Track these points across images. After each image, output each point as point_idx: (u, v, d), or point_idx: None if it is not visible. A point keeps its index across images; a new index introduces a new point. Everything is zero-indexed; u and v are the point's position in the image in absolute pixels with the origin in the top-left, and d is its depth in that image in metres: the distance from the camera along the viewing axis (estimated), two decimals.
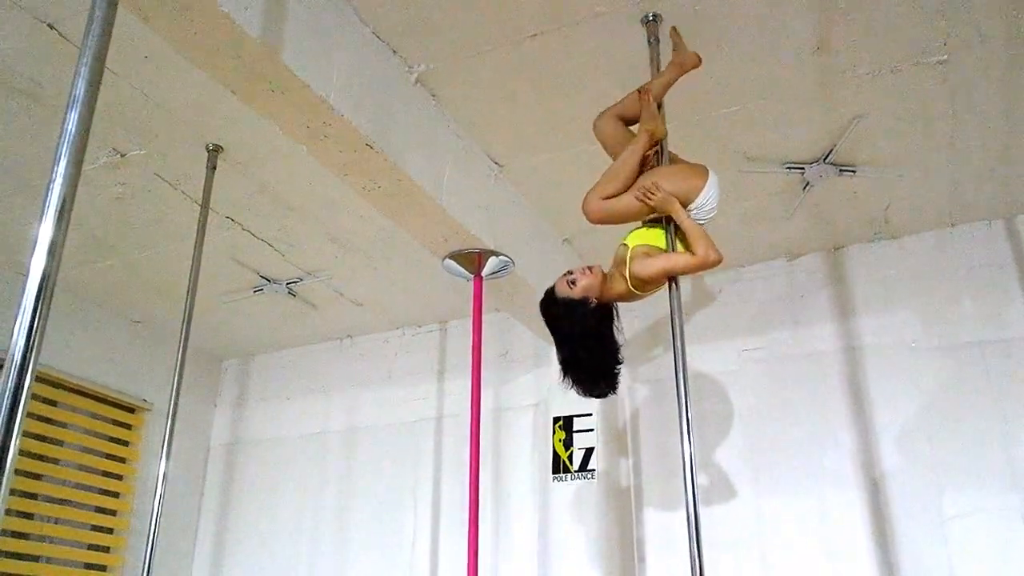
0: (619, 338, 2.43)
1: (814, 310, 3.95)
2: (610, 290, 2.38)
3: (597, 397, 2.49)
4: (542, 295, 2.46)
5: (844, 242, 3.97)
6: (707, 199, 2.35)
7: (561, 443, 4.03)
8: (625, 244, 2.39)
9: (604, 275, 2.40)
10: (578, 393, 2.45)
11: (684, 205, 2.33)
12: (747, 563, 3.67)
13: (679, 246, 2.32)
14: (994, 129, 3.13)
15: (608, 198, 2.38)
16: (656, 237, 2.36)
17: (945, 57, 2.74)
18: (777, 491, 3.73)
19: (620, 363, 2.42)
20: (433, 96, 3.01)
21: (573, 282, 2.36)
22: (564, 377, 2.43)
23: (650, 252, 2.32)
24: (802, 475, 3.70)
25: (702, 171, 2.39)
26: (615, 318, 2.45)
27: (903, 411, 3.61)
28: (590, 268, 2.40)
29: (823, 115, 3.07)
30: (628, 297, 2.38)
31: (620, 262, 2.37)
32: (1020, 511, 3.29)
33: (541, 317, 2.47)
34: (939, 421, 3.53)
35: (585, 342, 2.38)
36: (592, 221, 2.43)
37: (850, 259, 3.97)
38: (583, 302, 2.35)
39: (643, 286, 2.33)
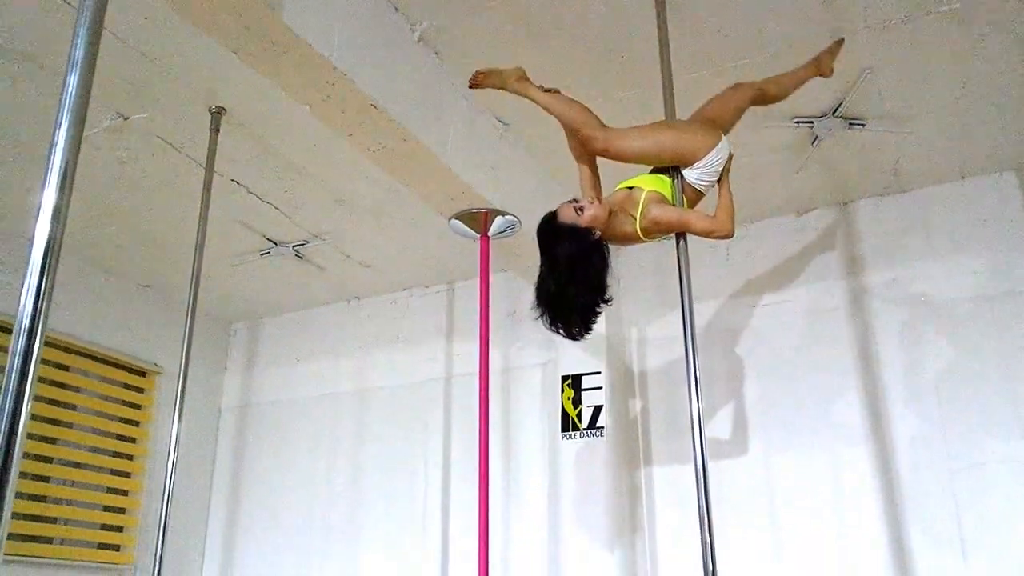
0: (610, 281, 2.32)
1: (823, 265, 3.93)
2: (614, 229, 2.31)
3: (570, 337, 2.34)
4: (542, 221, 2.34)
5: (853, 196, 3.94)
6: (713, 161, 2.32)
7: (570, 401, 4.05)
8: (633, 187, 2.34)
9: (611, 211, 2.31)
10: (549, 327, 2.32)
11: (690, 162, 2.30)
12: (756, 519, 3.70)
13: (685, 202, 2.31)
14: (1005, 79, 3.08)
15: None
16: (664, 186, 2.32)
17: (957, 6, 2.69)
18: (786, 447, 3.75)
19: (605, 304, 2.31)
20: (436, 54, 2.97)
21: (581, 209, 2.26)
22: (541, 308, 2.30)
23: (665, 201, 2.29)
24: (811, 431, 3.72)
25: (716, 133, 2.35)
26: (609, 260, 2.33)
27: (911, 365, 3.61)
28: (599, 199, 2.33)
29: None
30: (630, 239, 2.34)
31: (631, 203, 2.30)
32: None
33: (538, 240, 2.34)
34: (947, 375, 3.53)
35: (578, 274, 2.25)
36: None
37: (859, 213, 3.93)
38: (587, 232, 2.26)
39: (651, 231, 2.28)
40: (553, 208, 2.35)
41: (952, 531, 3.34)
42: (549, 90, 2.41)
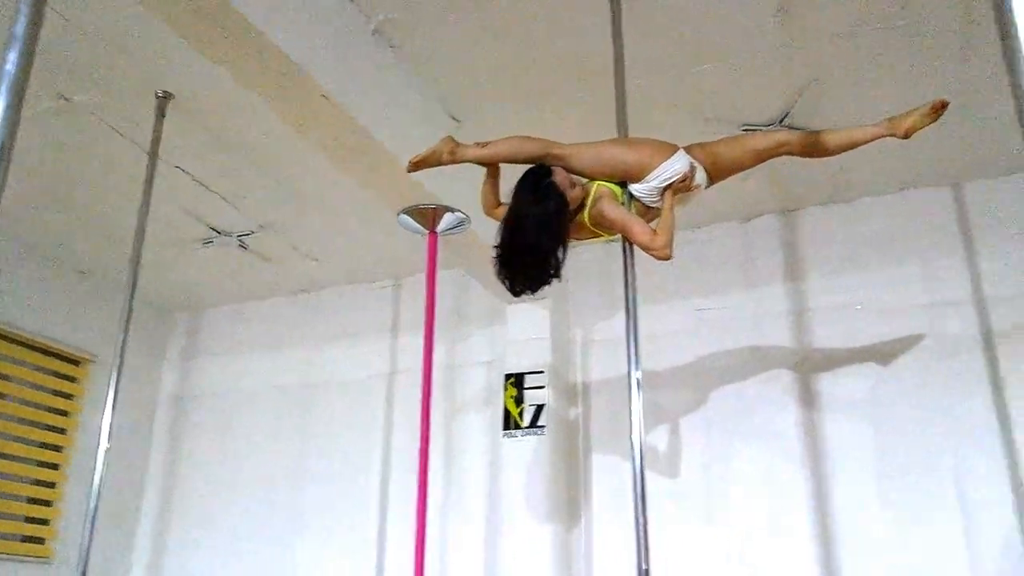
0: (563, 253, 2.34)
1: (766, 271, 4.01)
2: (579, 199, 2.35)
3: (521, 287, 2.36)
4: (533, 170, 2.35)
5: (798, 205, 4.02)
6: (664, 175, 2.32)
7: (512, 400, 4.06)
8: (587, 182, 2.37)
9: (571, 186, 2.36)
10: (507, 282, 2.34)
11: (638, 177, 2.33)
12: (693, 522, 3.75)
13: (632, 208, 2.34)
14: (948, 95, 3.16)
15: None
16: (616, 190, 2.36)
17: (902, 22, 2.76)
18: (725, 451, 3.81)
19: (557, 274, 2.33)
20: (391, 48, 2.95)
21: (572, 184, 2.32)
22: (509, 261, 2.32)
23: (615, 199, 2.32)
24: (749, 435, 3.79)
25: (669, 148, 2.37)
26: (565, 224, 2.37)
27: (847, 373, 3.70)
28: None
29: (781, 77, 3.08)
30: (575, 228, 2.36)
31: (583, 194, 2.35)
32: (950, 465, 3.41)
33: (521, 185, 2.34)
34: (882, 382, 3.63)
35: (554, 234, 2.29)
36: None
37: (803, 221, 4.02)
38: (568, 203, 2.31)
39: (595, 222, 2.32)
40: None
41: (880, 536, 3.44)
42: (482, 144, 2.41)
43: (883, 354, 3.67)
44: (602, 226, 2.34)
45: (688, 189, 2.35)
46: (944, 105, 2.32)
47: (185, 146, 3.48)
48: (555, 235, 2.30)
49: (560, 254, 2.31)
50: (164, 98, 3.14)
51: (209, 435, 5.04)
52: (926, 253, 3.74)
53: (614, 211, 2.29)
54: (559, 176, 2.30)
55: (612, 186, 2.36)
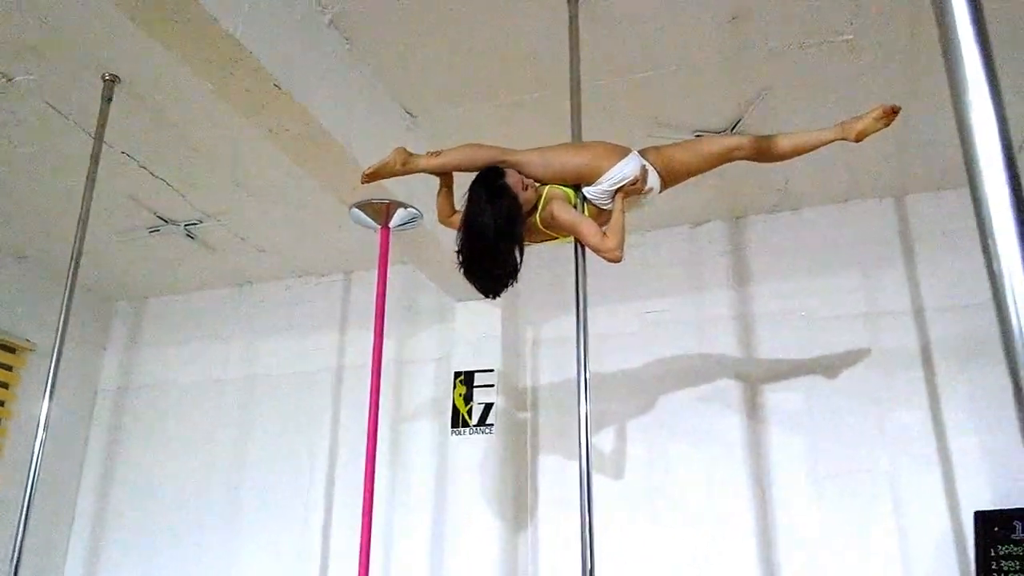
0: (520, 256, 2.36)
1: (713, 276, 4.07)
2: (533, 205, 2.37)
3: (487, 290, 2.40)
4: (486, 172, 2.34)
5: (745, 212, 4.09)
6: (615, 177, 2.34)
7: (461, 398, 4.06)
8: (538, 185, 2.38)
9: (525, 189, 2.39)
10: (475, 282, 2.37)
11: (590, 180, 2.35)
12: (638, 522, 3.79)
13: (586, 211, 2.36)
14: None
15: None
16: (569, 192, 2.37)
17: (851, 37, 2.83)
18: (669, 452, 3.86)
19: (516, 274, 2.36)
20: (347, 40, 2.92)
21: (525, 186, 2.33)
22: (470, 264, 2.34)
23: (567, 202, 2.34)
24: (693, 437, 3.84)
25: (621, 151, 2.39)
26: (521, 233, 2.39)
27: (789, 377, 3.78)
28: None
29: (733, 85, 3.13)
30: (529, 228, 2.37)
31: (535, 198, 2.36)
32: (887, 472, 3.51)
33: (474, 188, 2.34)
34: (822, 388, 3.72)
35: (510, 234, 2.30)
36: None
37: (750, 228, 4.10)
38: (521, 207, 2.32)
39: (550, 225, 2.34)
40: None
41: (818, 535, 3.52)
42: (435, 154, 2.41)
43: (824, 360, 3.75)
44: (554, 228, 2.35)
45: (639, 192, 2.37)
46: (895, 111, 2.34)
47: (132, 131, 3.40)
48: (511, 236, 2.31)
49: (517, 255, 2.33)
50: (111, 81, 3.06)
51: (149, 427, 4.93)
52: (867, 263, 3.83)
53: (565, 213, 2.31)
54: (511, 178, 2.31)
55: (565, 189, 2.37)
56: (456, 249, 2.35)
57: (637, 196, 2.39)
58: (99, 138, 3.10)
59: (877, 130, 2.37)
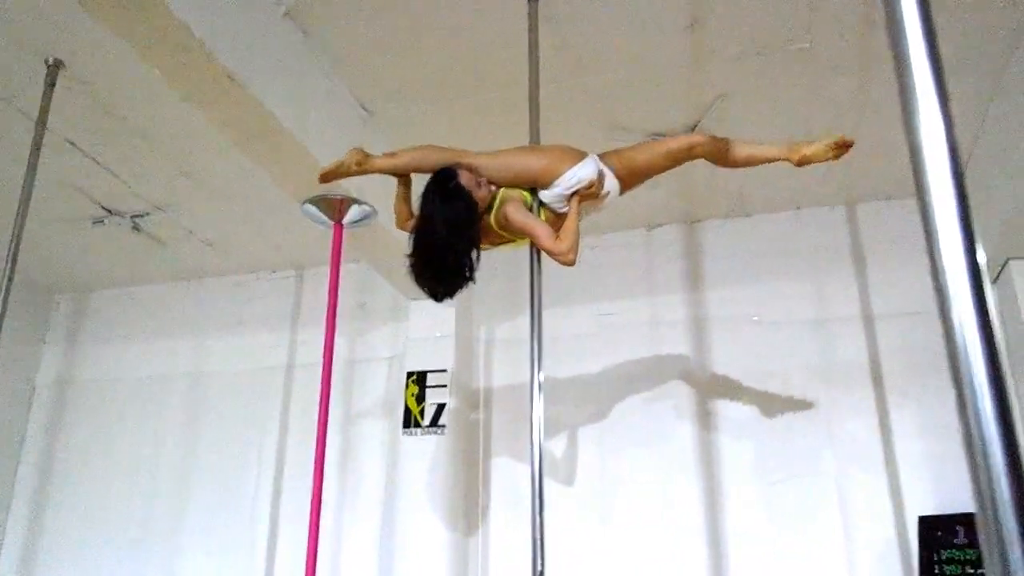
0: (476, 255, 2.35)
1: (668, 279, 4.09)
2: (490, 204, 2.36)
3: (438, 294, 2.38)
4: (439, 174, 2.32)
5: (700, 216, 4.13)
6: (571, 181, 2.33)
7: (413, 398, 4.02)
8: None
9: (479, 187, 2.36)
10: (426, 288, 2.36)
11: (545, 183, 2.34)
12: (588, 524, 3.79)
13: (542, 215, 2.35)
14: (845, 119, 3.31)
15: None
16: (525, 195, 2.36)
17: (808, 45, 2.86)
18: (620, 454, 3.87)
19: (471, 276, 2.34)
20: (303, 32, 2.87)
21: (479, 184, 2.31)
22: (423, 266, 2.32)
23: (523, 204, 2.33)
24: (644, 439, 3.86)
25: (578, 155, 2.37)
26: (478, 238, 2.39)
27: (740, 379, 3.82)
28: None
29: (691, 90, 3.15)
30: (483, 232, 2.36)
31: (490, 198, 2.35)
32: (835, 477, 3.56)
33: (428, 189, 2.32)
34: (770, 392, 3.76)
35: (464, 236, 2.30)
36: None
37: (705, 233, 4.13)
38: (476, 204, 2.31)
39: (501, 226, 2.33)
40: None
41: (764, 539, 3.55)
42: (390, 154, 2.39)
43: (775, 365, 3.79)
44: (509, 230, 2.34)
45: (595, 196, 2.36)
46: (848, 144, 2.35)
47: (76, 119, 3.30)
48: (466, 235, 2.30)
49: (473, 255, 2.31)
50: (55, 66, 2.97)
51: (90, 425, 4.80)
52: (819, 271, 3.89)
53: (519, 215, 2.30)
54: (464, 177, 2.30)
55: (521, 192, 2.36)
56: (408, 253, 2.33)
57: (594, 200, 2.38)
58: (41, 124, 3.00)
59: (824, 160, 2.39)
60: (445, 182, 2.29)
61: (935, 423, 3.47)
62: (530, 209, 2.34)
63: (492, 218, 2.34)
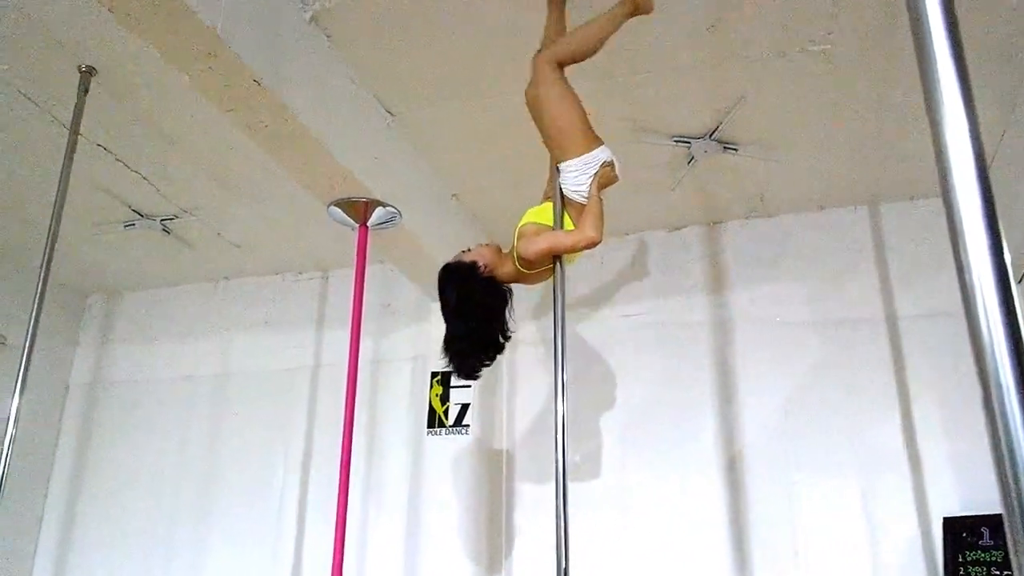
0: (509, 322, 2.36)
1: (691, 281, 4.09)
2: (501, 267, 2.36)
3: (461, 375, 2.42)
4: (448, 271, 2.39)
5: (722, 217, 4.12)
6: (586, 167, 2.30)
7: (438, 398, 4.05)
8: (520, 226, 2.37)
9: (499, 250, 2.40)
10: (454, 372, 2.40)
11: (559, 157, 2.33)
12: (612, 522, 3.81)
13: (568, 223, 2.32)
14: (866, 120, 3.30)
15: (564, 61, 2.32)
16: (547, 214, 2.34)
17: (829, 47, 2.86)
18: (643, 454, 3.88)
19: (501, 344, 2.36)
20: (328, 37, 2.91)
21: (467, 250, 2.36)
22: (445, 354, 2.38)
23: (538, 231, 2.30)
24: (668, 439, 3.86)
25: (595, 141, 2.35)
26: (508, 302, 2.39)
27: (764, 381, 3.81)
28: (486, 244, 2.42)
29: (712, 92, 3.15)
30: (518, 278, 2.36)
31: (512, 245, 2.35)
32: (858, 476, 3.54)
33: (446, 291, 2.39)
34: (795, 392, 3.75)
35: (466, 309, 2.33)
36: (528, 94, 2.37)
37: (727, 233, 4.12)
38: (472, 266, 2.33)
39: (530, 266, 2.30)
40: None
41: (788, 540, 3.55)
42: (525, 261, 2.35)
43: (798, 366, 3.78)
44: (539, 262, 2.30)
45: (613, 181, 2.37)
46: None
47: (108, 124, 3.36)
48: (472, 310, 2.33)
49: (504, 326, 2.35)
50: (88, 73, 3.02)
51: (121, 424, 4.88)
52: (842, 271, 3.87)
53: (535, 244, 2.26)
54: (453, 257, 2.36)
55: (538, 217, 2.34)
56: (444, 347, 2.38)
57: (612, 181, 2.37)
58: (75, 130, 3.06)
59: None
60: (440, 275, 2.39)
61: (960, 423, 3.45)
62: (545, 224, 2.33)
63: (516, 267, 2.33)
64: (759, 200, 3.94)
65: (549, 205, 2.37)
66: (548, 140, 2.37)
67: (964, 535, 3.23)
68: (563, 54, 2.34)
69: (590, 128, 2.36)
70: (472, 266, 2.33)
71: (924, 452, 3.50)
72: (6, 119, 3.32)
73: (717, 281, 4.05)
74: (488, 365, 2.40)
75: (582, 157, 2.30)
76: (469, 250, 2.39)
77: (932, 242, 3.71)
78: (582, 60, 2.37)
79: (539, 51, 2.37)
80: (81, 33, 2.84)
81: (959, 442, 3.44)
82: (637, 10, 2.37)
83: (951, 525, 3.28)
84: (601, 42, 2.35)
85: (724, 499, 3.69)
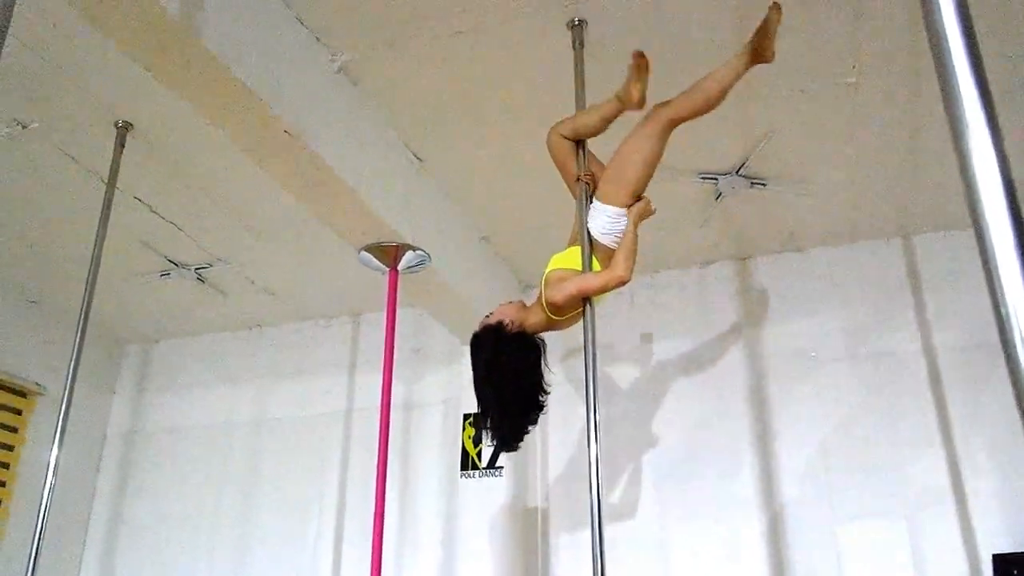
0: (545, 373, 2.32)
1: (723, 317, 4.06)
2: (529, 319, 2.33)
3: (503, 446, 2.39)
4: (479, 337, 2.37)
5: (753, 252, 4.10)
6: (616, 215, 2.32)
7: (470, 440, 4.04)
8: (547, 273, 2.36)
9: (522, 305, 2.38)
10: (500, 445, 2.37)
11: (602, 199, 2.34)
12: (649, 564, 3.74)
13: (595, 265, 2.32)
14: (894, 152, 3.28)
15: (682, 119, 2.34)
16: (573, 258, 2.34)
17: (854, 79, 2.86)
18: (680, 495, 3.82)
19: (541, 403, 2.32)
20: (355, 86, 2.97)
21: (490, 314, 2.36)
22: (486, 430, 2.34)
23: (564, 276, 2.29)
24: (704, 480, 3.80)
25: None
26: (542, 351, 2.36)
27: (801, 418, 3.75)
28: (508, 301, 2.41)
29: (738, 128, 3.16)
30: (549, 325, 2.34)
31: (540, 293, 2.34)
32: (904, 515, 3.45)
33: (480, 356, 2.36)
34: (834, 429, 3.68)
35: (500, 371, 2.29)
36: (549, 143, 2.45)
37: (758, 269, 4.09)
38: (498, 327, 2.31)
39: (560, 311, 2.28)
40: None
41: None
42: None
43: (837, 402, 3.72)
44: (569, 306, 2.28)
45: (650, 213, 2.40)
46: (776, 8, 2.29)
47: (144, 176, 3.45)
48: (501, 372, 2.30)
49: (540, 378, 2.32)
50: (124, 128, 3.11)
51: (158, 472, 4.91)
52: (876, 304, 3.82)
53: (563, 290, 2.24)
54: (499, 318, 2.32)
55: (565, 262, 2.33)
56: (482, 414, 2.34)
57: (649, 214, 2.40)
58: (112, 184, 3.14)
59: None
60: (470, 345, 2.35)
61: (1007, 458, 3.36)
62: (569, 269, 2.32)
63: (546, 314, 2.30)
64: (789, 235, 3.91)
65: (574, 249, 2.37)
66: (606, 180, 2.37)
67: (1015, 572, 3.13)
68: (684, 112, 2.34)
69: (644, 190, 2.39)
70: (498, 327, 2.31)
71: (970, 488, 3.41)
72: (45, 173, 3.41)
73: (750, 317, 4.02)
74: (531, 428, 2.35)
75: (622, 210, 2.32)
76: (491, 314, 2.37)
77: (969, 273, 3.65)
78: (703, 114, 2.39)
79: (663, 104, 2.36)
80: (117, 90, 2.93)
81: (1006, 476, 3.35)
82: (758, 58, 2.34)
83: (1001, 562, 3.18)
84: (722, 95, 2.34)
85: (766, 540, 3.61)
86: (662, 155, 2.38)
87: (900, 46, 2.71)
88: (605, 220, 2.33)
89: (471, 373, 2.37)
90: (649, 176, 2.37)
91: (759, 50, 2.32)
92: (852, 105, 2.99)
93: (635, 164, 2.33)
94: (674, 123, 2.35)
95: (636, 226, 2.32)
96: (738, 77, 2.34)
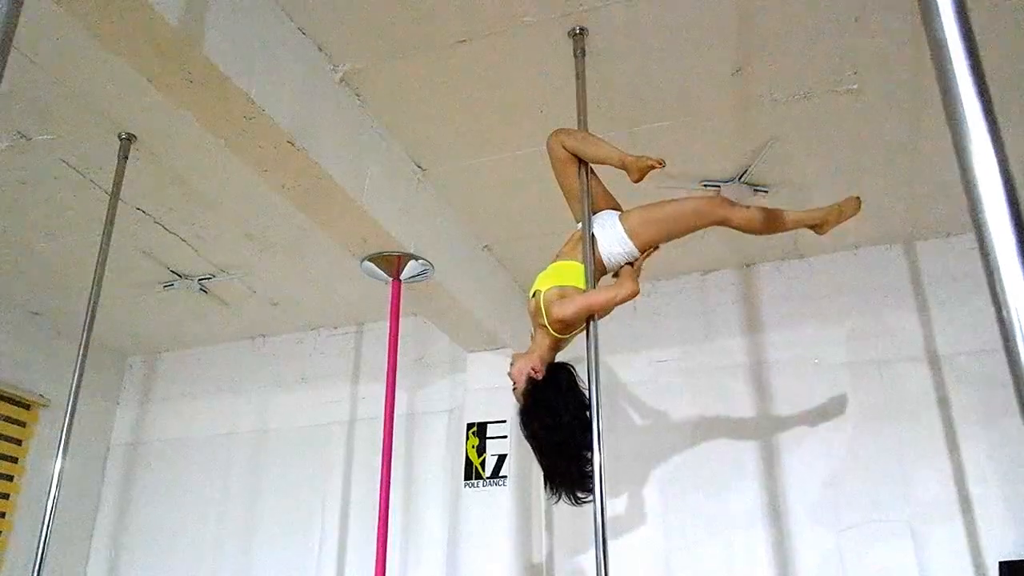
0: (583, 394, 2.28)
1: (725, 324, 4.05)
2: (540, 353, 2.32)
3: (573, 500, 2.33)
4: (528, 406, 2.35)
5: (755, 260, 4.10)
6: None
7: (474, 449, 4.03)
8: (535, 293, 2.33)
9: (527, 351, 2.36)
10: (576, 497, 2.32)
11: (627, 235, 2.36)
12: (653, 569, 3.72)
13: (573, 265, 2.33)
14: (897, 158, 3.28)
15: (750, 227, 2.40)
16: (571, 274, 2.32)
17: (855, 86, 2.86)
18: (683, 503, 3.81)
19: (582, 447, 2.23)
20: (357, 96, 2.98)
21: (514, 385, 2.33)
22: (551, 488, 2.32)
23: (565, 292, 2.27)
24: (707, 486, 3.79)
25: None
26: (573, 373, 2.36)
27: (804, 425, 3.74)
28: (510, 362, 2.38)
29: (739, 136, 3.16)
30: (557, 345, 2.33)
31: (536, 313, 2.31)
32: (908, 523, 3.44)
33: (531, 412, 2.35)
34: (837, 436, 3.67)
35: (538, 428, 2.28)
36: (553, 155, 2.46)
37: (760, 276, 4.09)
38: (530, 385, 2.30)
39: (566, 329, 2.27)
40: None
41: None
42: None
43: (840, 409, 3.71)
44: (577, 324, 2.27)
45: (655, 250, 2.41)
46: (855, 203, 2.51)
47: (147, 188, 3.45)
48: (542, 423, 2.30)
49: (581, 397, 2.29)
50: (127, 140, 3.12)
51: (162, 483, 4.91)
52: (880, 310, 3.81)
53: (570, 307, 2.22)
54: (521, 375, 2.32)
55: (561, 278, 2.30)
56: (544, 463, 2.35)
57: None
58: (115, 196, 3.15)
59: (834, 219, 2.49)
60: (536, 399, 2.31)
61: (1011, 464, 3.35)
62: (570, 285, 2.31)
63: (552, 332, 2.28)
64: (792, 242, 3.91)
65: (559, 265, 2.36)
66: (645, 211, 2.38)
67: None
68: (738, 223, 2.41)
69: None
70: (530, 385, 2.30)
71: (975, 494, 3.39)
72: (49, 186, 3.42)
73: (753, 324, 4.01)
74: (584, 483, 2.28)
75: (632, 243, 2.35)
76: (515, 385, 2.34)
77: (971, 278, 3.64)
78: (747, 233, 2.47)
79: (731, 204, 2.41)
80: (120, 102, 2.94)
81: (1011, 483, 3.34)
82: (815, 228, 2.51)
83: (1008, 569, 3.16)
84: (770, 232, 2.47)
85: (769, 548, 3.60)
86: (693, 232, 2.44)
87: (901, 53, 2.71)
88: (614, 238, 2.34)
89: (527, 444, 2.36)
90: (671, 239, 2.41)
91: (821, 223, 2.49)
92: (853, 112, 2.99)
93: (679, 225, 2.38)
94: (725, 224, 2.41)
95: (639, 270, 2.37)
96: (790, 229, 2.49)
